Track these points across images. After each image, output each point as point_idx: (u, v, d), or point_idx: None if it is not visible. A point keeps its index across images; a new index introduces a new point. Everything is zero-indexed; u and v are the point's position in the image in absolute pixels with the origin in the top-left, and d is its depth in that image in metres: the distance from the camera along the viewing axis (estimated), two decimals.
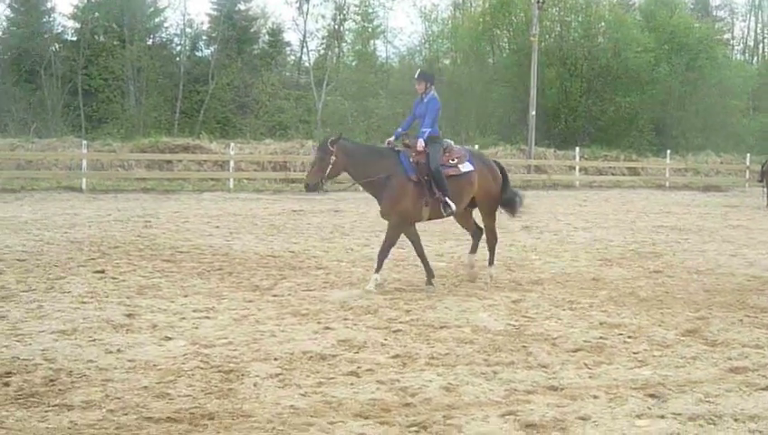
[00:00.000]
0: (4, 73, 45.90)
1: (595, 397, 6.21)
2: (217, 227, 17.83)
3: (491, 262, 11.70)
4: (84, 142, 30.61)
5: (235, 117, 47.23)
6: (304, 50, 54.33)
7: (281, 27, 55.55)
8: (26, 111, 43.14)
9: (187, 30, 51.56)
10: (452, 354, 7.41)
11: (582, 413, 5.82)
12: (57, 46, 48.96)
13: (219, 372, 6.67)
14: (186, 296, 9.90)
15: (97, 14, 49.20)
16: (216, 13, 51.83)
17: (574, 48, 48.40)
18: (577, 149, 39.17)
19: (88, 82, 45.97)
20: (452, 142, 11.63)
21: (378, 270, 10.79)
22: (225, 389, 6.23)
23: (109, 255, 13.09)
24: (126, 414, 5.60)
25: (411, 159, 10.92)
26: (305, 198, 26.44)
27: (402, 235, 11.00)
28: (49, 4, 50.29)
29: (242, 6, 53.78)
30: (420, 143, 10.91)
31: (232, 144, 32.19)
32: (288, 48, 56.68)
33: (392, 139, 11.43)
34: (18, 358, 6.95)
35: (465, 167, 11.18)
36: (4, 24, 49.28)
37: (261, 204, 24.81)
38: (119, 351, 7.24)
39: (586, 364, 7.16)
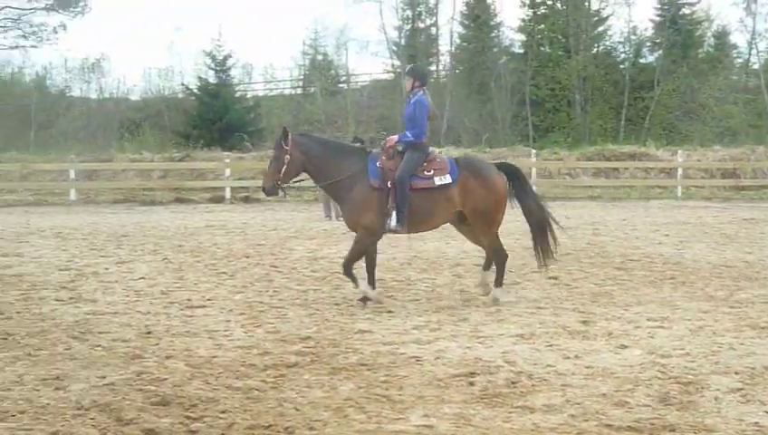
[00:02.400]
0: (457, 87, 48.52)
1: None
2: (666, 235, 17.45)
3: (497, 283, 10.18)
4: (533, 151, 31.50)
5: (681, 123, 45.83)
6: (752, 51, 51.52)
7: (727, 29, 53.08)
8: (478, 123, 45.22)
9: (632, 37, 51.03)
10: None
11: None
12: (506, 59, 50.81)
13: (677, 383, 6.52)
14: (639, 305, 9.81)
15: (543, 25, 50.31)
16: (660, 18, 50.75)
17: None
18: None
19: (535, 92, 47.03)
20: (436, 150, 10.20)
21: (356, 285, 10.01)
22: (685, 401, 6.07)
23: (561, 261, 13.32)
24: (586, 420, 5.65)
25: (378, 164, 9.85)
26: (757, 207, 25.13)
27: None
28: (497, 19, 52.37)
29: (686, 10, 52.15)
30: (393, 138, 10.01)
31: (680, 151, 31.40)
32: (735, 51, 54.00)
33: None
34: (481, 359, 7.29)
35: (442, 180, 9.83)
36: (457, 40, 52.20)
37: (710, 212, 23.88)
38: (576, 357, 7.35)
39: None
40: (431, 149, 10.44)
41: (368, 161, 9.94)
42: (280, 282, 11.58)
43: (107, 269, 12.49)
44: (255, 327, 8.63)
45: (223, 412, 5.82)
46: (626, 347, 7.69)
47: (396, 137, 10.06)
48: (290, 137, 9.93)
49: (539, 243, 10.31)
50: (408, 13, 50.61)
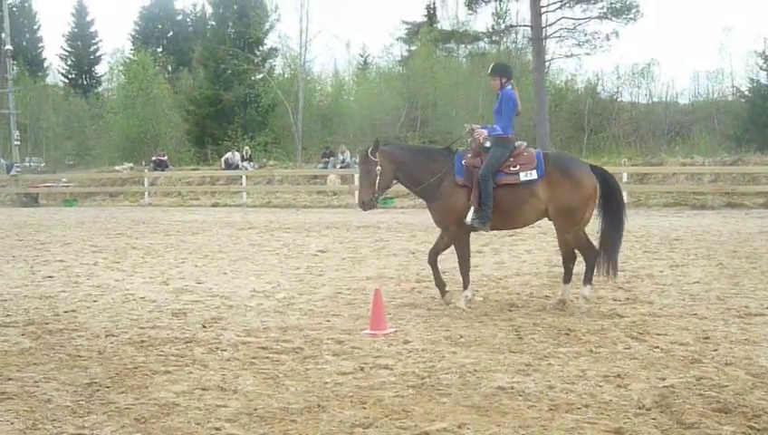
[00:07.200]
0: None
1: None
2: None
3: (586, 280, 9.83)
4: None
5: None
6: None
7: None
8: None
9: None
10: None
11: None
12: None
13: None
14: None
15: None
16: None
17: None
18: None
19: None
20: (524, 144, 10.03)
21: (465, 286, 10.05)
22: None
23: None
24: None
25: (464, 162, 9.84)
26: None
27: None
28: None
29: None
30: (483, 132, 9.88)
31: None
32: None
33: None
34: None
35: (528, 175, 9.61)
36: None
37: None
38: None
39: None
40: (520, 143, 10.15)
41: (454, 160, 9.99)
42: None
43: (661, 272, 12.60)
44: None
45: None
46: None
47: (485, 130, 9.99)
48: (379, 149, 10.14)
49: (609, 255, 9.93)
50: None
